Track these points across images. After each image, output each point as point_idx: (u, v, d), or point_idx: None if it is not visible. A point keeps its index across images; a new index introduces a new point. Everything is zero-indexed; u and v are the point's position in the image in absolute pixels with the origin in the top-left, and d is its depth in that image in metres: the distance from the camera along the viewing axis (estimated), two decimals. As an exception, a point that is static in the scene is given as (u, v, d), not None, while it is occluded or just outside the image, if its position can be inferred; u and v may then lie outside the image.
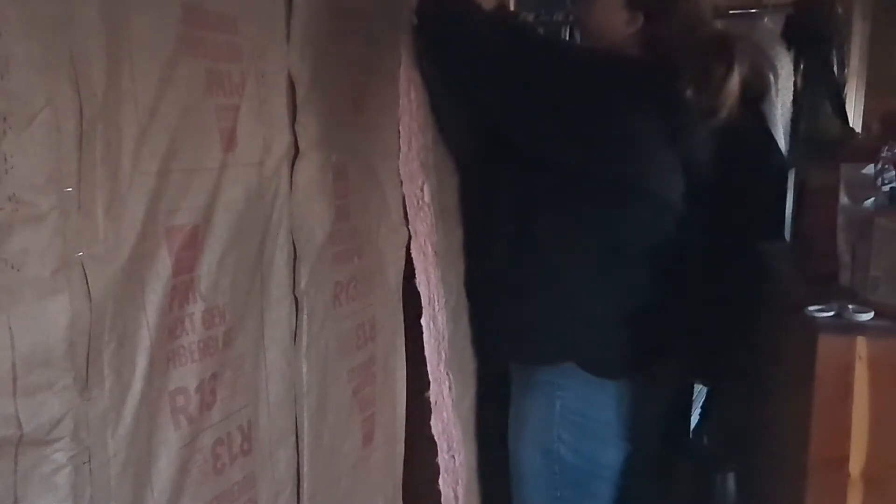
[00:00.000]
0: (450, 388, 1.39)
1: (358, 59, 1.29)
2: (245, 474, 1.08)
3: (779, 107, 1.84)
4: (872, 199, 1.28)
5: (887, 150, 1.28)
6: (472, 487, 1.57)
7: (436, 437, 1.39)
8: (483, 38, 1.28)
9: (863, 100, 2.46)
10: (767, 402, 1.58)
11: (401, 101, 1.28)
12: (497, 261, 1.46)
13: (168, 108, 0.89)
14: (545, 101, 1.27)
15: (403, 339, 1.47)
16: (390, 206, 1.40)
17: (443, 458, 1.41)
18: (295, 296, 1.16)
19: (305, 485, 1.20)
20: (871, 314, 1.18)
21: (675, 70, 1.26)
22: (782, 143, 1.84)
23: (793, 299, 1.30)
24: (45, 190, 0.74)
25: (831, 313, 1.19)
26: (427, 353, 1.35)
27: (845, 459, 1.16)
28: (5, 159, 0.70)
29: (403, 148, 1.28)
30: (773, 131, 1.80)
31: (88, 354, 0.79)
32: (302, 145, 1.14)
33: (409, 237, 1.34)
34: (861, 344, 1.15)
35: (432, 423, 1.38)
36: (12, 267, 0.72)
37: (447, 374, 1.38)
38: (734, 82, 1.27)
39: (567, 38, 1.85)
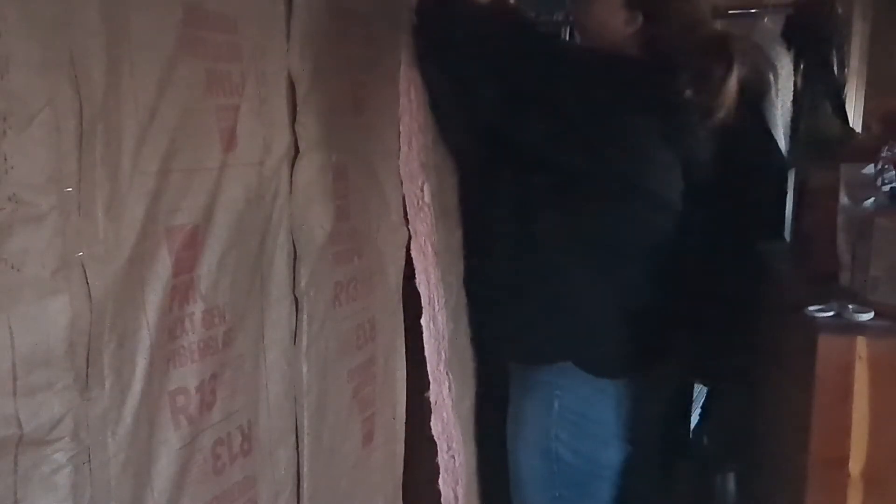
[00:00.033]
0: (449, 388, 1.39)
1: (358, 59, 1.29)
2: (245, 474, 1.08)
3: (779, 107, 1.84)
4: (872, 199, 1.28)
5: (887, 150, 1.28)
6: (472, 488, 1.57)
7: (435, 438, 1.39)
8: (483, 37, 1.28)
9: (863, 100, 2.46)
10: (767, 402, 1.58)
11: (401, 101, 1.28)
12: (496, 260, 1.46)
13: (168, 108, 0.89)
14: (545, 101, 1.27)
15: (403, 339, 1.47)
16: (390, 206, 1.40)
17: (442, 459, 1.41)
18: (295, 296, 1.16)
19: (305, 485, 1.20)
20: (871, 314, 1.18)
21: (675, 70, 1.26)
22: (782, 143, 1.84)
23: (793, 299, 1.30)
24: (45, 190, 0.74)
25: (831, 313, 1.19)
26: (427, 353, 1.35)
27: (845, 459, 1.16)
28: (5, 159, 0.70)
29: (403, 148, 1.29)
30: (773, 131, 1.80)
31: (88, 354, 0.79)
32: (302, 145, 1.14)
33: (409, 237, 1.34)
34: (861, 344, 1.15)
35: (432, 423, 1.38)
36: (12, 267, 0.72)
37: (447, 374, 1.38)
38: (733, 82, 1.27)
39: (567, 38, 1.86)
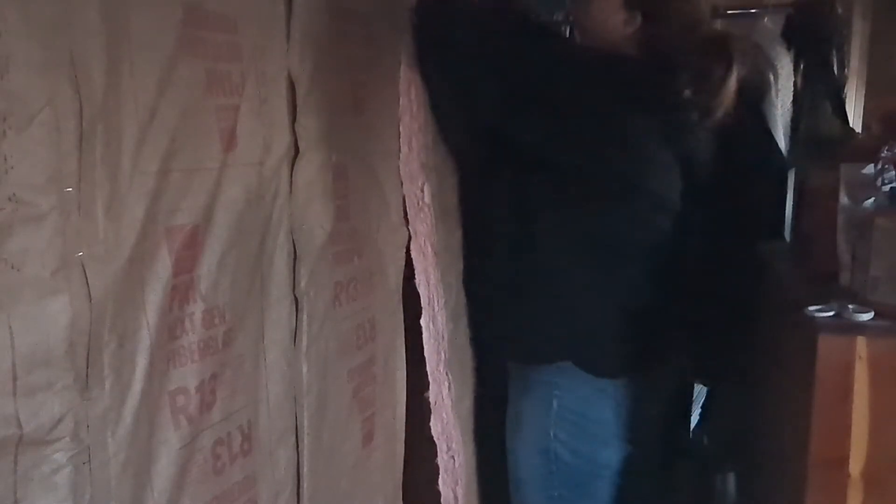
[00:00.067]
0: (449, 388, 1.39)
1: (358, 59, 1.29)
2: (245, 474, 1.08)
3: (779, 107, 1.84)
4: (872, 199, 1.28)
5: (887, 150, 1.28)
6: (472, 488, 1.57)
7: (435, 438, 1.39)
8: (482, 37, 1.28)
9: (863, 100, 2.46)
10: (767, 402, 1.58)
11: (401, 101, 1.28)
12: (496, 260, 1.46)
13: (168, 108, 0.89)
14: (544, 101, 1.27)
15: (403, 339, 1.47)
16: (390, 207, 1.40)
17: (442, 459, 1.41)
18: (295, 296, 1.16)
19: (305, 485, 1.20)
20: (871, 314, 1.18)
21: (674, 70, 1.26)
22: (782, 143, 1.84)
23: (793, 299, 1.30)
24: (45, 190, 0.74)
25: (831, 313, 1.19)
26: (426, 353, 1.35)
27: (845, 459, 1.16)
28: (5, 159, 0.70)
29: (404, 148, 1.28)
30: (773, 131, 1.80)
31: (88, 354, 0.79)
32: (302, 145, 1.14)
33: (409, 237, 1.34)
34: (861, 344, 1.15)
35: (432, 423, 1.38)
36: (12, 267, 0.72)
37: (446, 374, 1.38)
38: (733, 82, 1.27)
39: (567, 37, 1.85)
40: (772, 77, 1.82)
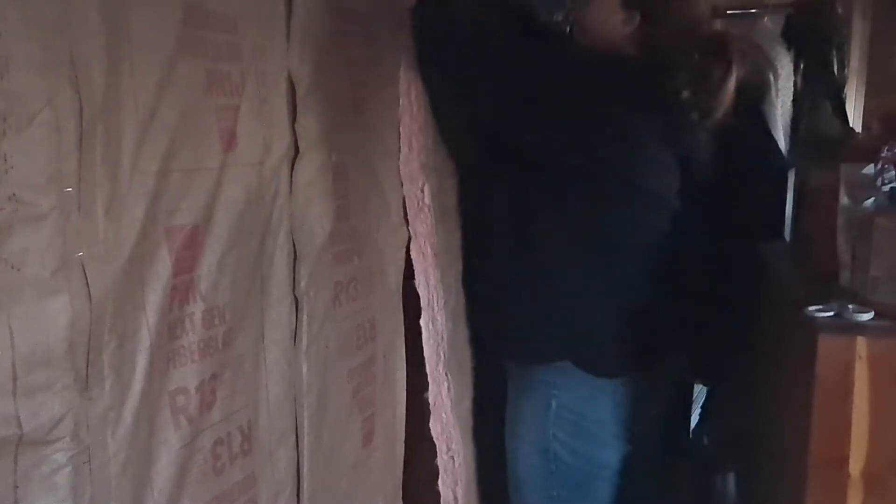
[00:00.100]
0: (448, 388, 1.39)
1: (358, 59, 1.29)
2: (245, 474, 1.08)
3: (779, 107, 1.84)
4: (872, 199, 1.28)
5: (887, 150, 1.28)
6: (472, 488, 1.57)
7: (435, 439, 1.39)
8: (482, 37, 1.28)
9: (863, 100, 2.46)
10: (767, 402, 1.58)
11: (401, 102, 1.28)
12: (495, 260, 1.46)
13: (168, 108, 0.89)
14: (544, 101, 1.27)
15: (403, 339, 1.47)
16: (390, 207, 1.40)
17: (442, 460, 1.41)
18: (295, 296, 1.16)
19: (305, 485, 1.20)
20: (871, 314, 1.18)
21: (673, 70, 1.26)
22: (782, 143, 1.84)
23: (793, 299, 1.30)
24: (45, 190, 0.74)
25: (831, 313, 1.19)
26: (426, 353, 1.35)
27: (845, 459, 1.16)
28: (5, 159, 0.70)
29: (404, 149, 1.29)
30: (773, 131, 1.80)
31: (88, 354, 0.79)
32: (302, 145, 1.14)
33: (409, 238, 1.34)
34: (861, 344, 1.15)
35: (431, 424, 1.38)
36: (12, 267, 0.72)
37: (446, 374, 1.38)
38: (732, 82, 1.27)
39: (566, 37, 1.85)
40: (772, 77, 1.82)
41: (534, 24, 1.53)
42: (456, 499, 1.44)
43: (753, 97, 1.72)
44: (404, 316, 1.46)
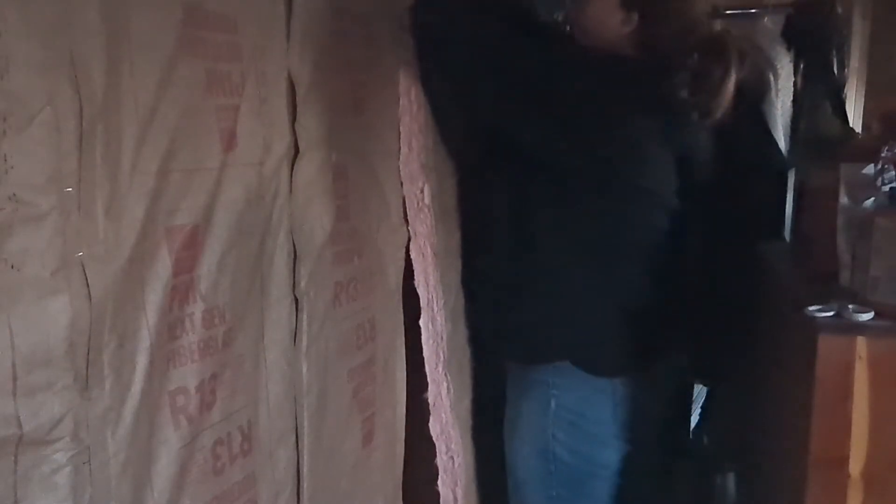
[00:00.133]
0: (448, 389, 1.39)
1: (358, 59, 1.29)
2: (245, 474, 1.08)
3: (779, 107, 1.84)
4: (872, 199, 1.28)
5: (887, 150, 1.28)
6: (471, 488, 1.57)
7: (434, 439, 1.39)
8: (482, 37, 1.28)
9: (863, 100, 2.46)
10: (767, 402, 1.58)
11: (401, 102, 1.28)
12: (495, 260, 1.45)
13: (168, 108, 0.89)
14: (543, 101, 1.27)
15: (403, 339, 1.47)
16: (390, 207, 1.40)
17: (441, 460, 1.41)
18: (295, 296, 1.16)
19: (305, 485, 1.20)
20: (871, 314, 1.18)
21: (673, 70, 1.26)
22: (782, 143, 1.84)
23: (793, 299, 1.30)
24: (45, 190, 0.74)
25: (831, 313, 1.19)
26: (426, 354, 1.35)
27: (845, 459, 1.16)
28: (5, 159, 0.70)
29: (404, 149, 1.29)
30: (773, 131, 1.80)
31: (88, 354, 0.79)
32: (302, 145, 1.14)
33: (409, 238, 1.34)
34: (861, 344, 1.15)
35: (431, 424, 1.38)
36: (12, 267, 0.72)
37: (445, 375, 1.38)
38: (732, 82, 1.27)
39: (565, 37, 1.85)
40: (772, 77, 1.82)
41: (533, 23, 1.53)
42: (456, 499, 1.44)
43: (753, 97, 1.71)
44: (404, 316, 1.46)
